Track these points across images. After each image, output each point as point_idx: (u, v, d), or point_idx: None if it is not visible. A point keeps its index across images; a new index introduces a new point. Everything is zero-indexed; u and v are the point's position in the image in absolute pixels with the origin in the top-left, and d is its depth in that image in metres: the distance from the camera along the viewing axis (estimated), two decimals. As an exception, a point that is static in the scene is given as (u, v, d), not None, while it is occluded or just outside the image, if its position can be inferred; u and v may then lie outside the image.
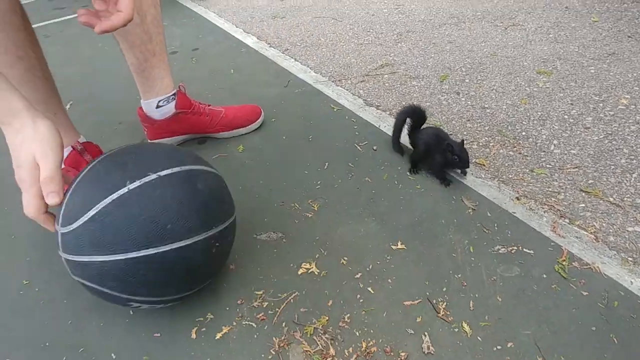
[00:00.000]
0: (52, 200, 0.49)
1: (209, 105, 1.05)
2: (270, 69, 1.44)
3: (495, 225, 0.75)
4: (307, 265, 0.71)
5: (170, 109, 1.00)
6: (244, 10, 2.11)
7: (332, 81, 1.30)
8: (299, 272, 0.70)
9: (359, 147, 0.98)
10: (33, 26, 0.76)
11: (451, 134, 1.00)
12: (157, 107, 0.99)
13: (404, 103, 1.15)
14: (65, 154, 0.82)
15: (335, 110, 1.14)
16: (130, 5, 0.49)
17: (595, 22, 1.52)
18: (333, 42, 1.59)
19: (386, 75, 1.30)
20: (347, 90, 1.24)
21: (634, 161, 0.87)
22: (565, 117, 1.03)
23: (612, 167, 0.87)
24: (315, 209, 0.82)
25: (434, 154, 0.84)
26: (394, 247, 0.73)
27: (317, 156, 0.97)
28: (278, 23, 1.87)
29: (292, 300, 0.65)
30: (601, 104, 1.06)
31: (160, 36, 0.92)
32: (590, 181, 0.84)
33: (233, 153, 1.02)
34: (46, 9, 2.65)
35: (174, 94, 1.00)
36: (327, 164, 0.94)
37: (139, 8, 0.83)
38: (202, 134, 1.07)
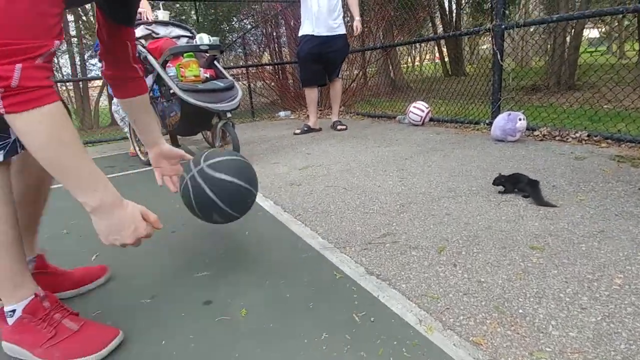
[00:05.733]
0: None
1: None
2: (282, 232, 1.57)
3: (494, 417, 0.72)
4: None
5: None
6: (266, 177, 2.41)
7: (337, 248, 1.41)
8: None
9: (357, 318, 1.01)
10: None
11: (448, 308, 1.03)
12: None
13: (402, 273, 1.21)
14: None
15: (337, 277, 1.21)
16: None
17: (582, 200, 1.66)
18: (341, 210, 1.77)
19: (388, 244, 1.40)
20: (350, 257, 1.33)
21: (633, 346, 0.86)
22: (561, 295, 1.06)
23: (613, 352, 0.85)
24: (309, 385, 0.81)
25: None
26: None
27: (317, 325, 0.99)
28: (294, 190, 2.12)
29: None
30: (595, 283, 1.09)
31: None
32: (592, 369, 0.81)
33: (236, 316, 1.05)
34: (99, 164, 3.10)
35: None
36: (324, 334, 0.96)
37: None
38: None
